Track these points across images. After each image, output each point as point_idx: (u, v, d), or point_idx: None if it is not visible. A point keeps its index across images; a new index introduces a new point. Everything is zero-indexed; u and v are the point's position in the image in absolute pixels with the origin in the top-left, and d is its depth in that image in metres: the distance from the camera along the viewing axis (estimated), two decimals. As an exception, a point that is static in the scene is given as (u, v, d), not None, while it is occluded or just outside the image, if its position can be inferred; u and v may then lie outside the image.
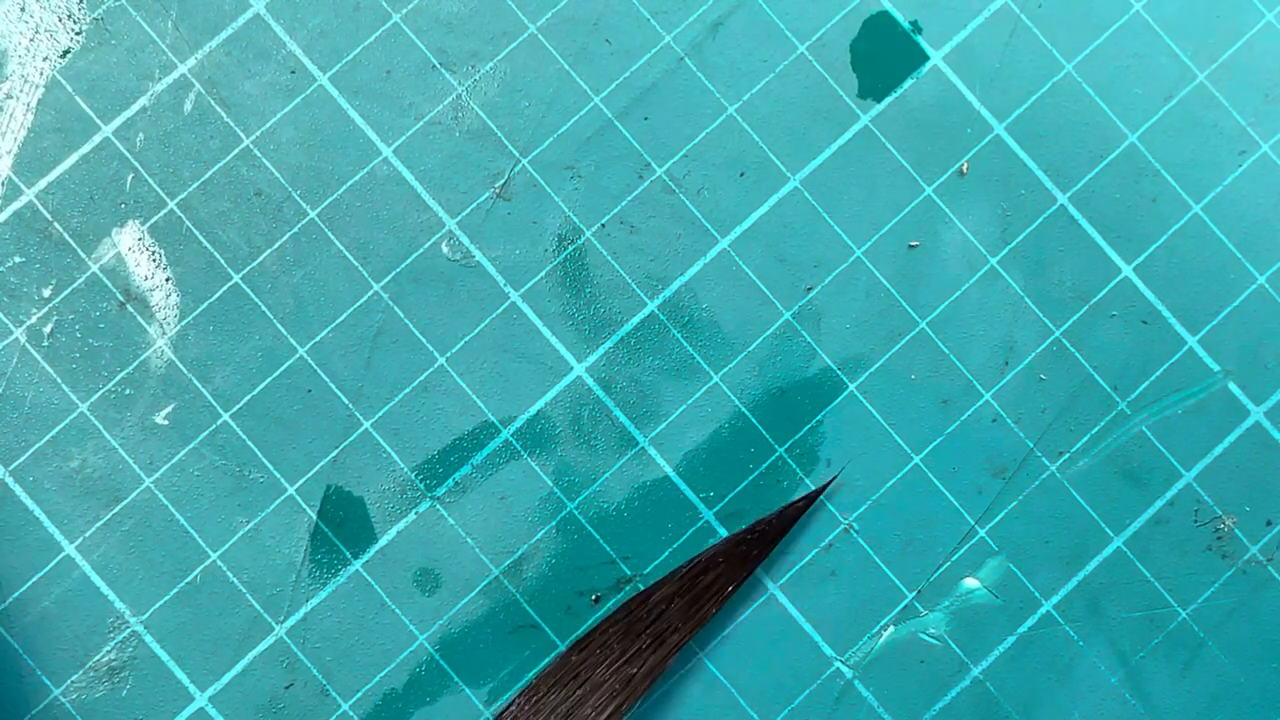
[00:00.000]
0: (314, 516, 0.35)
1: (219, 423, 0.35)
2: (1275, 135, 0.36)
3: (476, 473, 0.35)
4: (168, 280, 0.35)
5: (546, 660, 0.35)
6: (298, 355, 0.35)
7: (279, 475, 0.35)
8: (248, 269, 0.35)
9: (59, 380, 0.35)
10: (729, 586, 0.34)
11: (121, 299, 0.35)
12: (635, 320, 0.36)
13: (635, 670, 0.34)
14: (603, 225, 0.36)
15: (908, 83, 0.36)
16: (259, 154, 0.35)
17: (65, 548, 0.34)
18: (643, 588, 0.35)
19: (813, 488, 0.35)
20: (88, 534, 0.34)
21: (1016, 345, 0.36)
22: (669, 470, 0.35)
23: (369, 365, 0.35)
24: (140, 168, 0.35)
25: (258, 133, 0.35)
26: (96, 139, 0.35)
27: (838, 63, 0.36)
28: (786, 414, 0.35)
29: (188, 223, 0.35)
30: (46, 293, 0.35)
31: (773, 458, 0.35)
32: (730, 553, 0.35)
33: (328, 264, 0.35)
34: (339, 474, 0.35)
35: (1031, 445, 0.36)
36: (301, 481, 0.35)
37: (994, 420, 0.36)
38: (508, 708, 0.34)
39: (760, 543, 0.35)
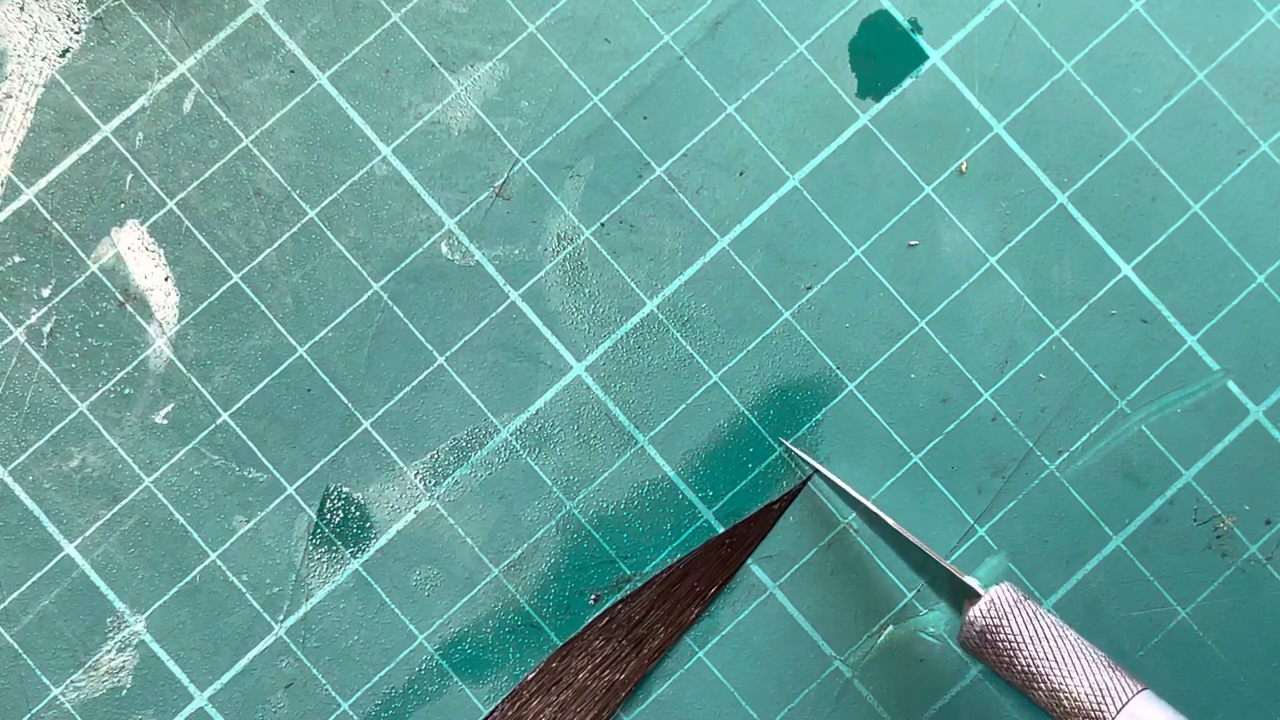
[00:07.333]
0: (314, 516, 0.35)
1: (219, 423, 0.35)
2: (1274, 134, 0.36)
3: (476, 472, 0.35)
4: (167, 280, 0.35)
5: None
6: (298, 355, 0.35)
7: (279, 475, 0.35)
8: (247, 269, 0.35)
9: (59, 380, 0.35)
10: (710, 590, 0.35)
11: (121, 299, 0.35)
12: (635, 320, 0.36)
13: (618, 675, 0.34)
14: (602, 225, 0.36)
15: (907, 82, 0.36)
16: (258, 154, 0.35)
17: (65, 547, 0.34)
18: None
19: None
20: (87, 534, 0.34)
21: (1016, 344, 0.36)
22: (669, 470, 0.35)
23: (369, 365, 0.35)
24: (140, 167, 0.35)
25: (257, 132, 0.35)
26: (96, 139, 0.35)
27: (837, 62, 0.36)
28: (786, 413, 0.35)
29: (187, 222, 0.35)
30: (46, 292, 0.35)
31: (772, 457, 0.35)
32: (708, 557, 0.35)
33: (327, 264, 0.35)
34: (339, 474, 0.35)
35: (1031, 444, 0.36)
36: (301, 481, 0.35)
37: (993, 419, 0.36)
38: (491, 714, 0.34)
39: (739, 545, 0.35)
